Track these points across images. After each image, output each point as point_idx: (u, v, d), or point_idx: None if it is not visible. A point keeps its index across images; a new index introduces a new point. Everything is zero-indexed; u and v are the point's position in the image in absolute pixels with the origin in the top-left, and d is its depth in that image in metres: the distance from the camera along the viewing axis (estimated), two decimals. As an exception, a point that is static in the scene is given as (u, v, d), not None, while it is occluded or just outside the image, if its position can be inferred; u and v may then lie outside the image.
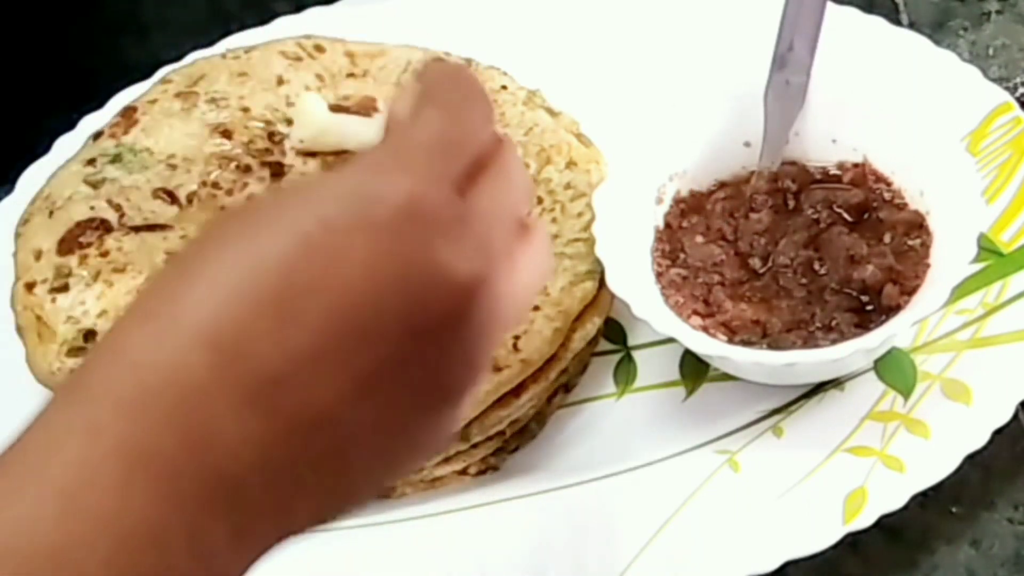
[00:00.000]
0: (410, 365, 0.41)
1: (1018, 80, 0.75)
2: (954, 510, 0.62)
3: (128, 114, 0.73)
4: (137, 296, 0.42)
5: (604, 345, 0.67)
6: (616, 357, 0.67)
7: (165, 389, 0.38)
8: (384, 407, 0.41)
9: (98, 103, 0.77)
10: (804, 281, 0.64)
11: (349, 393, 0.40)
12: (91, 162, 0.71)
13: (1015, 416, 0.62)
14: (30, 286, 0.67)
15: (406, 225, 0.41)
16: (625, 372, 0.66)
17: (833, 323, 0.62)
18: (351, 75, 0.74)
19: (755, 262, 0.65)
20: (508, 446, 0.64)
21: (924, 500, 0.60)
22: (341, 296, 0.40)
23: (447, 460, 0.63)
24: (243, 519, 0.39)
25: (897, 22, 0.76)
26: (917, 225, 0.64)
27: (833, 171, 0.67)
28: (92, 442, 0.38)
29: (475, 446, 0.63)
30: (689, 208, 0.67)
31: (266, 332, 0.39)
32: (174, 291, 0.40)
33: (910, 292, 0.62)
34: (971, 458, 0.60)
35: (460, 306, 0.41)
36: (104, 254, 0.68)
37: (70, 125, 0.77)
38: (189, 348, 0.39)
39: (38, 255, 0.68)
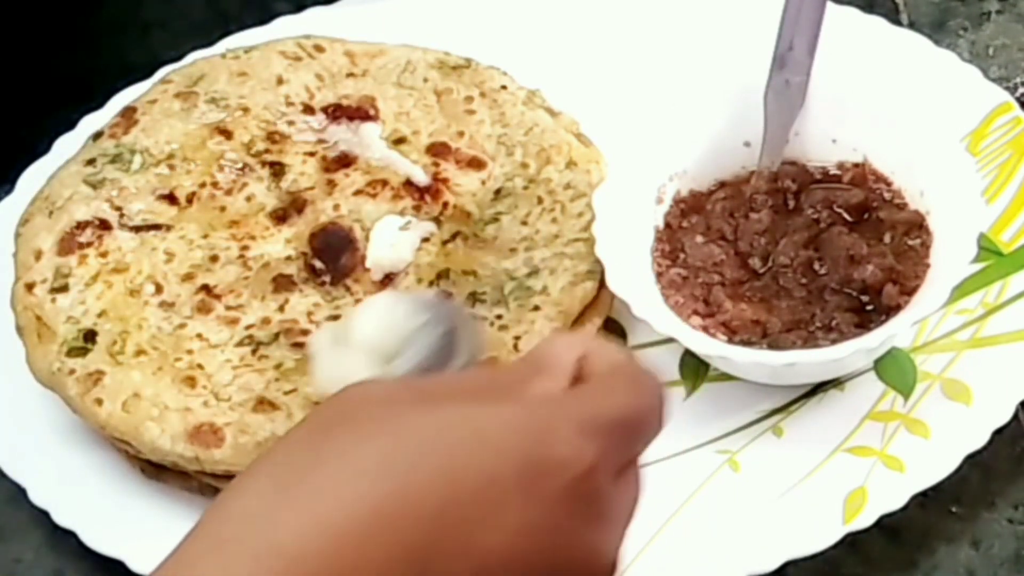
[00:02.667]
0: None
1: (1018, 80, 0.75)
2: (954, 510, 0.62)
3: (128, 114, 0.73)
4: (242, 493, 0.39)
5: (604, 345, 0.67)
6: (616, 357, 0.67)
7: None
8: None
9: (98, 103, 0.77)
10: (804, 281, 0.64)
11: None
12: (91, 162, 0.71)
13: (1015, 416, 0.62)
14: (30, 286, 0.67)
15: (575, 506, 0.39)
16: (625, 372, 0.66)
17: (833, 323, 0.62)
18: (351, 75, 0.74)
19: (755, 262, 0.65)
20: (508, 446, 0.64)
21: (924, 500, 0.60)
22: (482, 565, 0.38)
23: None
24: None
25: (897, 22, 0.76)
26: (917, 225, 0.65)
27: (833, 171, 0.67)
28: None
29: (475, 446, 0.63)
30: (689, 208, 0.67)
31: None
32: (294, 508, 0.37)
33: (910, 292, 0.62)
34: (971, 458, 0.60)
35: None
36: (104, 254, 0.68)
37: (70, 125, 0.77)
38: None
39: (38, 255, 0.68)
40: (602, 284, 0.64)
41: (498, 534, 0.38)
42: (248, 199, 0.70)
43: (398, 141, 0.71)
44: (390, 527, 0.37)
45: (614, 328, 0.67)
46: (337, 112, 0.72)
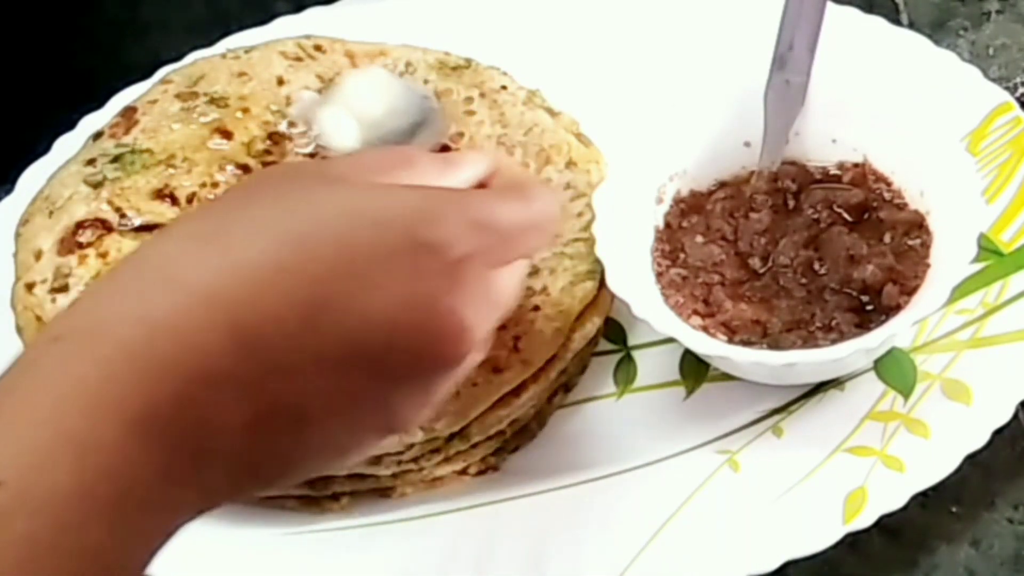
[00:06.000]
0: (394, 393, 0.46)
1: (1018, 80, 0.75)
2: (954, 510, 0.62)
3: (128, 114, 0.73)
4: (160, 241, 0.45)
5: (604, 345, 0.67)
6: (616, 357, 0.67)
7: (180, 361, 0.41)
8: (349, 423, 0.45)
9: (98, 103, 0.77)
10: (804, 281, 0.64)
11: (335, 408, 0.44)
12: (91, 162, 0.71)
13: (1015, 416, 0.62)
14: (30, 286, 0.67)
15: (442, 279, 0.46)
16: (625, 372, 0.66)
17: (833, 323, 0.62)
18: (351, 75, 0.74)
19: (755, 262, 0.65)
20: (508, 446, 0.64)
21: (924, 500, 0.60)
22: (366, 322, 0.44)
23: (447, 460, 0.63)
24: (211, 488, 0.43)
25: (897, 22, 0.76)
26: (917, 225, 0.65)
27: (833, 171, 0.67)
28: (101, 394, 0.40)
29: (475, 446, 0.63)
30: (689, 208, 0.67)
31: (288, 335, 0.42)
32: (206, 256, 0.43)
33: (910, 292, 0.62)
34: (971, 458, 0.60)
35: (455, 354, 0.46)
36: (104, 255, 0.68)
37: (70, 125, 0.77)
38: (211, 328, 0.41)
39: (38, 255, 0.68)
40: (602, 284, 0.64)
41: (382, 297, 0.44)
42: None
43: (398, 141, 0.71)
44: (288, 280, 0.43)
45: (614, 328, 0.67)
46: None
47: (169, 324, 0.41)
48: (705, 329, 0.63)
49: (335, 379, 0.44)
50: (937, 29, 0.77)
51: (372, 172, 0.49)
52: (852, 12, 0.75)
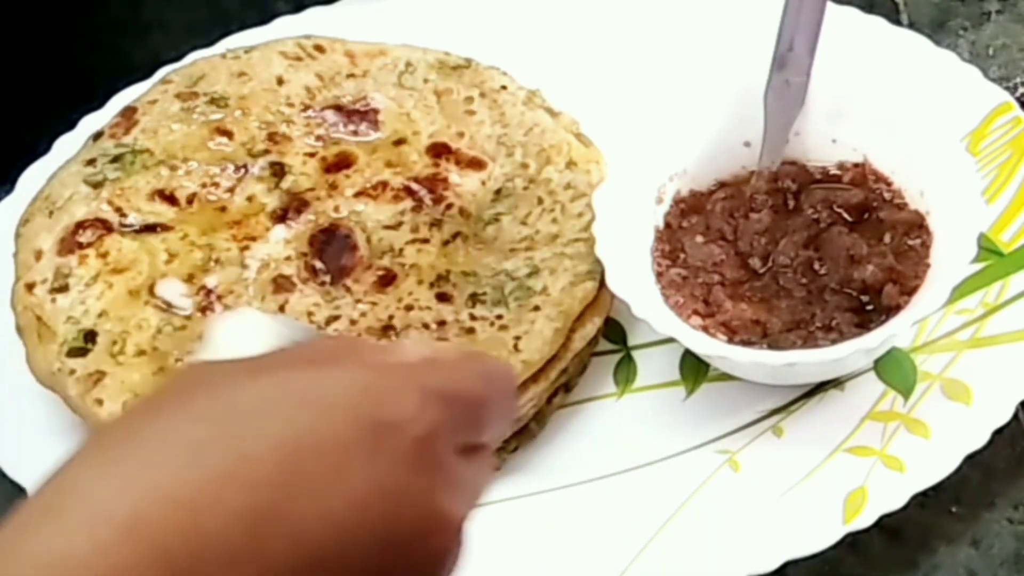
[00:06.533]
0: None
1: (1018, 80, 0.75)
2: (954, 510, 0.62)
3: (128, 114, 0.73)
4: (68, 477, 0.38)
5: (604, 345, 0.67)
6: (616, 357, 0.67)
7: None
8: None
9: (98, 103, 0.77)
10: (804, 281, 0.64)
11: None
12: (91, 162, 0.71)
13: (1015, 416, 0.62)
14: (30, 286, 0.67)
15: (419, 466, 0.39)
16: (625, 372, 0.66)
17: (833, 323, 0.62)
18: (351, 75, 0.74)
19: (755, 262, 0.65)
20: (508, 446, 0.64)
21: (924, 500, 0.60)
22: (322, 526, 0.37)
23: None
24: None
25: (897, 22, 0.76)
26: (917, 225, 0.64)
27: (833, 171, 0.67)
28: None
29: (475, 446, 0.63)
30: (689, 208, 0.67)
31: (231, 556, 0.36)
32: (123, 480, 0.37)
33: (910, 292, 0.62)
34: (971, 458, 0.60)
35: (441, 557, 0.41)
36: (104, 255, 0.68)
37: (70, 125, 0.77)
38: (138, 564, 0.35)
39: (38, 255, 0.68)
40: (602, 284, 0.64)
41: (343, 494, 0.38)
42: (248, 199, 0.70)
43: (398, 142, 0.71)
44: (226, 493, 0.36)
45: (614, 328, 0.67)
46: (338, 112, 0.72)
47: (90, 565, 0.35)
48: (705, 329, 0.63)
49: None
50: (937, 29, 0.77)
51: (303, 360, 0.41)
52: (852, 12, 0.75)
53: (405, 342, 0.46)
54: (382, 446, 0.38)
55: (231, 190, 0.70)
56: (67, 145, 0.75)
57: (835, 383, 0.64)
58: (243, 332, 0.46)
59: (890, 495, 0.60)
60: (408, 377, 0.41)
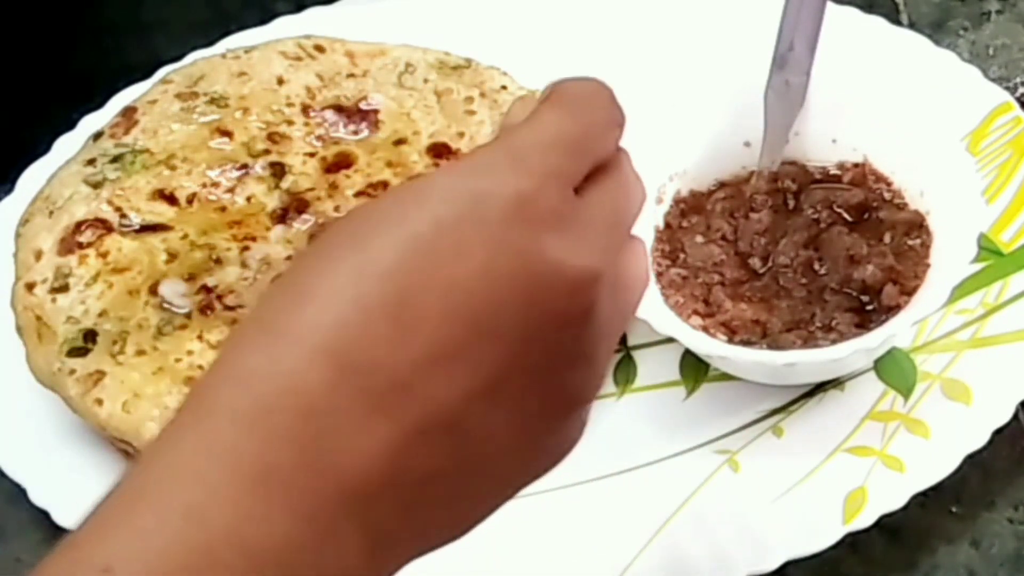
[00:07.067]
0: (534, 366, 0.40)
1: (1018, 80, 0.75)
2: (954, 510, 0.62)
3: (128, 114, 0.73)
4: (248, 315, 0.41)
5: (604, 345, 0.67)
6: (616, 357, 0.67)
7: (283, 404, 0.38)
8: (512, 411, 0.40)
9: (98, 103, 0.77)
10: (804, 281, 0.64)
11: (476, 394, 0.39)
12: (91, 162, 0.71)
13: (1015, 416, 0.62)
14: (30, 286, 0.67)
15: (516, 221, 0.40)
16: (625, 372, 0.66)
17: (833, 323, 0.62)
18: (351, 75, 0.74)
19: (755, 262, 0.65)
20: (508, 446, 0.64)
21: (924, 500, 0.60)
22: (456, 295, 0.39)
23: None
24: (377, 534, 0.39)
25: (897, 22, 0.76)
26: (917, 225, 0.64)
27: (833, 171, 0.67)
28: (212, 459, 0.37)
29: (475, 446, 0.63)
30: (689, 208, 0.67)
31: (385, 339, 0.38)
32: (287, 306, 0.39)
33: (910, 292, 0.62)
34: (971, 458, 0.60)
35: (576, 304, 0.41)
36: (104, 255, 0.68)
37: (70, 125, 0.77)
38: (307, 362, 0.38)
39: (38, 255, 0.68)
40: (602, 284, 0.64)
41: (464, 267, 0.39)
42: (248, 199, 0.70)
43: (398, 142, 0.71)
44: (358, 286, 0.39)
45: (614, 328, 0.67)
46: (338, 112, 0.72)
47: (265, 373, 0.38)
48: (705, 329, 0.63)
49: (467, 373, 0.39)
50: (937, 29, 0.77)
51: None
52: (852, 12, 0.75)
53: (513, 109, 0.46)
54: (480, 215, 0.40)
55: (231, 190, 0.70)
56: (67, 145, 0.75)
57: (835, 383, 0.64)
58: None
59: (890, 495, 0.60)
60: (499, 147, 0.42)
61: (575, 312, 0.41)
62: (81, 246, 0.68)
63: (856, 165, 0.67)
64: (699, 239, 0.66)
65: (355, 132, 0.72)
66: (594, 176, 0.44)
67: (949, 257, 0.62)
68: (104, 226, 0.69)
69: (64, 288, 0.67)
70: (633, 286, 0.45)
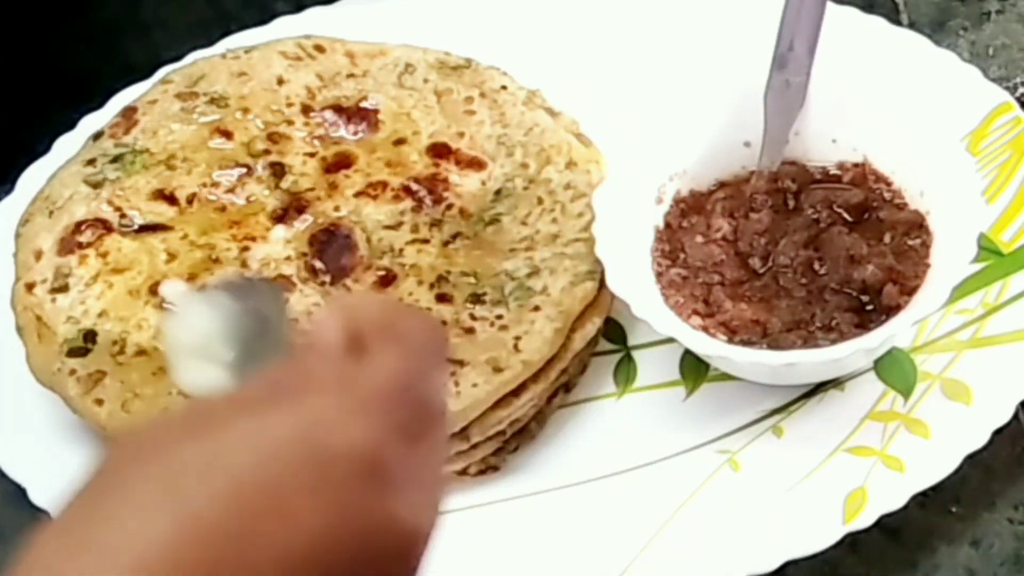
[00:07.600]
0: None
1: (1018, 80, 0.75)
2: (954, 510, 0.62)
3: (128, 114, 0.73)
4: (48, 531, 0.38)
5: (604, 345, 0.67)
6: (616, 357, 0.67)
7: None
8: None
9: (98, 103, 0.77)
10: (804, 281, 0.64)
11: None
12: (91, 162, 0.71)
13: (1015, 416, 0.62)
14: (30, 286, 0.67)
15: (366, 486, 0.38)
16: (625, 372, 0.66)
17: (833, 323, 0.62)
18: (351, 75, 0.74)
19: (755, 262, 0.65)
20: (508, 446, 0.64)
21: (924, 500, 0.60)
22: (291, 563, 0.37)
23: (447, 460, 0.63)
24: None
25: (897, 22, 0.76)
26: (917, 225, 0.64)
27: (833, 171, 0.67)
28: None
29: (475, 446, 0.63)
30: (689, 208, 0.67)
31: None
32: (81, 558, 0.36)
33: (910, 292, 0.62)
34: (971, 458, 0.60)
35: (409, 558, 0.40)
36: (104, 255, 0.68)
37: (70, 125, 0.77)
38: None
39: (38, 255, 0.68)
40: (602, 284, 0.64)
41: (297, 536, 0.37)
42: (248, 199, 0.70)
43: (398, 142, 0.71)
44: (180, 551, 0.36)
45: (614, 328, 0.67)
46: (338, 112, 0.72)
47: None
48: (705, 329, 0.63)
49: None
50: (937, 29, 0.77)
51: (246, 405, 0.40)
52: (852, 12, 0.75)
53: (318, 328, 0.42)
54: (324, 481, 0.38)
55: (231, 190, 0.70)
56: (67, 145, 0.75)
57: (835, 383, 0.64)
58: (197, 322, 0.47)
59: (890, 495, 0.60)
60: (335, 402, 0.40)
61: (405, 567, 0.40)
62: (81, 246, 0.68)
63: (856, 165, 0.67)
64: (699, 239, 0.66)
65: (355, 132, 0.72)
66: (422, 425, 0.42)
67: (949, 257, 0.62)
68: (104, 226, 0.69)
69: (64, 288, 0.67)
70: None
